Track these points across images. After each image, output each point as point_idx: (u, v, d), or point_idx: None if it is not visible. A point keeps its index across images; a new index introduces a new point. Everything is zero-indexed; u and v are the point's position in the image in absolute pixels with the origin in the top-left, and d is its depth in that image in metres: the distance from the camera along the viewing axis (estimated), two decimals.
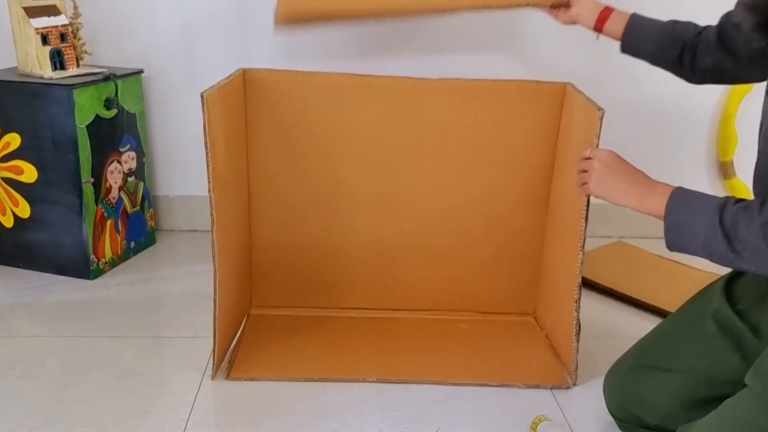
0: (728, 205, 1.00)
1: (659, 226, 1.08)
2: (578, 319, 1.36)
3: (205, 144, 1.25)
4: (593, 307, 1.70)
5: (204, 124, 1.24)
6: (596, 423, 1.29)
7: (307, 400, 1.33)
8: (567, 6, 1.53)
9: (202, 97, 1.23)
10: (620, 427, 1.26)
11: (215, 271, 1.32)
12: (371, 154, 1.54)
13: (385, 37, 1.99)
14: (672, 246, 1.06)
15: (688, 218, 1.03)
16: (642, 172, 1.14)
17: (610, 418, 1.28)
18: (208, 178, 1.27)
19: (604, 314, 1.72)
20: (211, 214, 1.29)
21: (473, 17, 1.98)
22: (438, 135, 1.53)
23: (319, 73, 1.51)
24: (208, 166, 1.26)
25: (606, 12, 1.47)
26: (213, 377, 1.39)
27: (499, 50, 2.00)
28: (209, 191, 1.27)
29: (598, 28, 1.48)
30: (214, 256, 1.31)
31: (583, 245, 1.31)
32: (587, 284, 1.76)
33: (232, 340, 1.50)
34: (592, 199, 1.26)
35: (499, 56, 2.00)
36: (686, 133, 2.08)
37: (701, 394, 1.14)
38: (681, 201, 1.05)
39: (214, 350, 1.38)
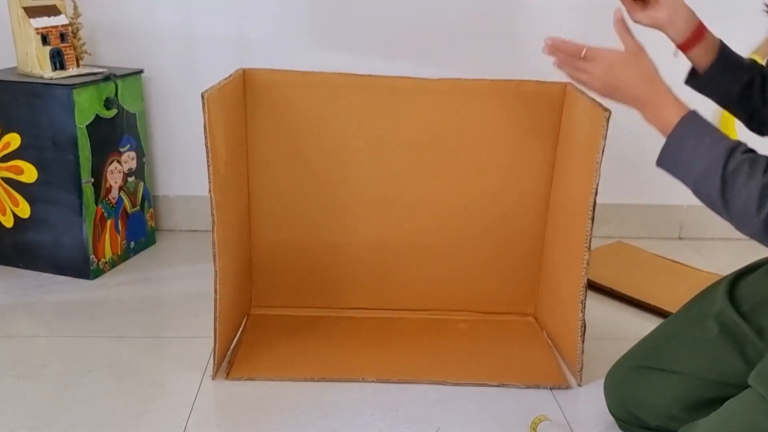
0: (737, 151, 0.97)
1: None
2: (584, 321, 1.36)
3: (206, 144, 1.25)
4: (593, 307, 1.70)
5: (204, 125, 1.24)
6: (596, 423, 1.29)
7: (307, 400, 1.33)
8: (652, 2, 1.18)
9: (202, 97, 1.23)
10: (621, 427, 1.26)
11: (216, 271, 1.32)
12: (371, 154, 1.54)
13: (386, 37, 1.99)
14: (663, 165, 1.03)
15: (693, 146, 0.99)
16: (659, 77, 1.05)
17: (611, 418, 1.28)
18: (209, 178, 1.27)
19: (605, 314, 1.72)
20: (212, 215, 1.29)
21: (472, 17, 1.99)
22: (438, 135, 1.53)
23: (319, 73, 1.50)
24: (208, 166, 1.26)
25: (701, 31, 1.19)
26: (213, 377, 1.39)
27: (499, 50, 2.00)
28: (210, 191, 1.27)
29: (687, 47, 1.20)
30: (214, 257, 1.31)
31: (589, 246, 1.31)
32: (587, 284, 1.76)
33: (233, 340, 1.50)
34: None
35: (499, 56, 2.00)
36: None
37: (702, 396, 1.14)
38: (693, 126, 1.00)
39: (214, 350, 1.38)
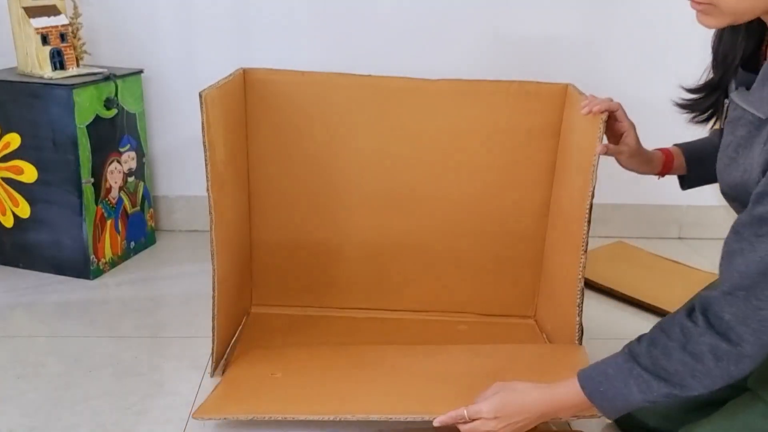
0: (636, 349, 0.98)
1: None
2: (581, 324, 1.36)
3: (204, 143, 1.25)
4: (593, 307, 1.70)
5: (202, 123, 1.24)
6: (596, 424, 1.29)
7: None
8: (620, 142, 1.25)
9: (200, 96, 1.23)
10: (620, 427, 1.26)
11: (214, 270, 1.31)
12: (371, 154, 1.54)
13: (386, 37, 1.99)
14: (615, 415, 1.04)
15: (611, 386, 0.99)
16: (527, 385, 1.09)
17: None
18: (207, 176, 1.26)
19: (604, 314, 1.72)
20: (210, 213, 1.28)
21: (473, 18, 1.99)
22: (438, 136, 1.53)
23: (319, 73, 1.50)
24: (206, 164, 1.26)
25: (669, 162, 1.30)
26: (212, 375, 1.38)
27: (499, 51, 2.00)
28: (208, 190, 1.27)
29: (663, 175, 1.32)
30: (213, 255, 1.30)
31: (586, 248, 1.30)
32: (587, 284, 1.75)
33: (232, 338, 1.50)
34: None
35: (500, 57, 2.00)
36: (686, 134, 2.08)
37: (702, 397, 1.13)
38: (593, 377, 1.01)
39: (212, 349, 1.37)
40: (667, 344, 0.95)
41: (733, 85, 1.02)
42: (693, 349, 0.92)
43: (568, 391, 1.03)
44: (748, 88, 0.96)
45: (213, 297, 1.33)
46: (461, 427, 1.11)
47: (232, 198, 1.44)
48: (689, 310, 0.96)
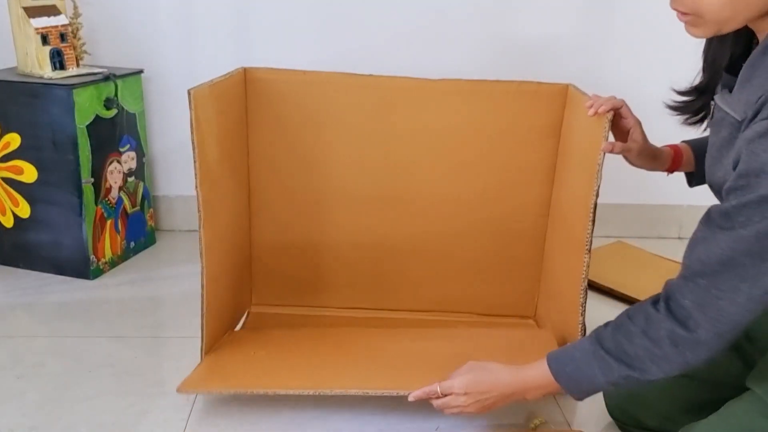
0: (602, 334, 1.02)
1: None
2: (584, 324, 1.36)
3: (192, 140, 1.24)
4: (593, 307, 1.69)
5: (191, 121, 1.23)
6: (596, 424, 1.29)
7: (306, 399, 1.33)
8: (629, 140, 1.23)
9: (189, 93, 1.22)
10: (620, 428, 1.26)
11: (203, 268, 1.31)
12: (371, 154, 1.54)
13: (386, 37, 1.99)
14: (581, 396, 1.07)
15: (577, 367, 1.03)
16: (499, 365, 1.13)
17: (611, 419, 1.28)
18: (195, 174, 1.25)
19: (605, 314, 1.70)
20: (198, 211, 1.27)
21: (473, 18, 1.99)
22: (438, 136, 1.53)
23: (320, 72, 1.50)
24: (195, 162, 1.25)
25: (678, 159, 1.28)
26: None
27: (500, 51, 2.00)
28: (196, 188, 1.26)
29: (672, 171, 1.30)
30: (201, 253, 1.30)
31: (590, 249, 1.30)
32: (587, 284, 1.76)
33: (225, 337, 1.50)
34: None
35: (500, 56, 2.00)
36: (688, 135, 2.08)
37: (701, 397, 1.14)
38: (560, 359, 1.06)
39: (201, 347, 1.36)
40: (630, 329, 0.98)
41: (719, 88, 1.04)
42: (653, 335, 0.95)
43: (536, 373, 1.08)
44: (731, 91, 0.99)
45: (202, 295, 1.32)
46: (434, 401, 1.16)
47: (229, 197, 1.44)
48: (655, 298, 0.99)
